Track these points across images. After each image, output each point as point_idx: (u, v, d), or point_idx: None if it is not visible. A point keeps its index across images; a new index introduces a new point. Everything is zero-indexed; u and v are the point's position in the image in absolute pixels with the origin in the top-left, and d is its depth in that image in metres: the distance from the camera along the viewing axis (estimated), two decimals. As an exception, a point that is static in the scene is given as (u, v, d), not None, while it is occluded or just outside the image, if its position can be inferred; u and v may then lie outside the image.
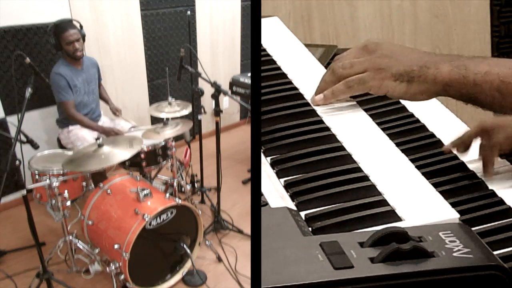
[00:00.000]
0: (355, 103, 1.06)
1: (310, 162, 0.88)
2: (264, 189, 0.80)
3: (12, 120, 2.53)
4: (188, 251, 1.98)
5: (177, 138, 2.41)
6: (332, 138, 0.95)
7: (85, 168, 1.89)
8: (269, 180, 0.83)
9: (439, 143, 0.97)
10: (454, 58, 0.91)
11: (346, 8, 1.90)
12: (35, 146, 1.90)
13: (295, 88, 1.08)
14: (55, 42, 2.37)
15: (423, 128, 1.01)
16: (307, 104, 1.03)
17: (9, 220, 2.66)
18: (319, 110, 1.02)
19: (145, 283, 1.97)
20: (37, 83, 2.11)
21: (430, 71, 0.91)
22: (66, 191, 1.96)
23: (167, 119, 2.32)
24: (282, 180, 0.86)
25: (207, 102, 3.36)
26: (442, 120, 1.04)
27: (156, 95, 3.51)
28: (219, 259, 2.29)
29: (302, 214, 0.78)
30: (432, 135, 0.98)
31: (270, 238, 0.65)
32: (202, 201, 2.88)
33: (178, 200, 1.99)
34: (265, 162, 0.90)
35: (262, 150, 0.93)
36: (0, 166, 1.57)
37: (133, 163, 2.39)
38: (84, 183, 2.21)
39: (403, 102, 1.08)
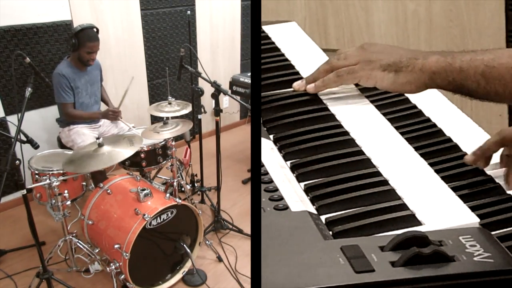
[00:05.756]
0: (373, 107, 1.06)
1: (329, 166, 0.88)
2: (284, 193, 0.80)
3: (12, 119, 2.53)
4: (188, 250, 1.98)
5: (177, 138, 2.41)
6: (351, 142, 0.95)
7: (85, 169, 1.89)
8: (289, 184, 0.83)
9: (456, 147, 0.96)
10: (444, 52, 0.93)
11: (361, 13, 1.90)
12: (35, 145, 1.90)
13: (315, 93, 1.09)
14: (74, 43, 2.35)
15: (440, 132, 1.00)
16: (326, 109, 1.04)
17: (9, 220, 2.67)
18: (338, 114, 1.03)
19: (145, 283, 1.97)
20: (37, 83, 2.12)
21: (418, 61, 0.93)
22: (66, 191, 1.96)
23: (167, 118, 2.32)
24: (302, 184, 0.86)
25: (207, 101, 3.36)
26: (458, 124, 1.03)
27: (156, 94, 3.51)
28: (219, 259, 2.30)
29: (323, 218, 0.78)
30: (449, 140, 0.98)
31: (291, 241, 0.66)
32: (202, 201, 2.88)
33: (178, 200, 1.99)
34: (285, 166, 0.90)
35: (282, 155, 0.93)
36: (0, 166, 1.57)
37: (133, 163, 2.39)
38: (84, 183, 2.21)
39: (419, 106, 1.08)
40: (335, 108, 1.05)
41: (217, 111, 2.34)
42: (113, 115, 2.50)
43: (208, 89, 2.41)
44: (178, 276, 2.10)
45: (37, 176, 2.06)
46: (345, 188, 0.83)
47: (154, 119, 3.45)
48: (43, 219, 2.60)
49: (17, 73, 2.57)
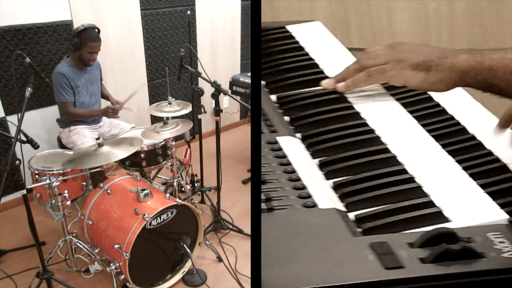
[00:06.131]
0: (398, 105, 1.07)
1: (356, 164, 0.89)
2: (313, 190, 0.80)
3: (12, 119, 2.53)
4: (188, 250, 1.98)
5: (177, 138, 2.41)
6: (377, 140, 0.96)
7: (85, 166, 1.89)
8: (317, 181, 0.84)
9: (480, 145, 0.96)
10: (473, 50, 0.93)
11: (383, 12, 1.90)
12: (35, 145, 1.90)
13: (343, 92, 1.11)
14: (76, 42, 2.36)
15: (463, 130, 1.01)
16: (351, 107, 1.05)
17: (9, 220, 2.67)
18: (363, 112, 1.04)
19: (145, 283, 1.97)
20: (37, 83, 2.12)
21: (448, 60, 0.93)
22: (66, 191, 1.96)
23: (167, 118, 2.32)
24: (331, 181, 0.87)
25: (207, 101, 3.35)
26: (481, 122, 1.03)
27: (156, 94, 3.51)
28: (219, 259, 2.30)
29: (351, 215, 0.78)
30: (474, 138, 0.98)
31: (320, 238, 0.66)
32: (202, 201, 2.88)
33: (178, 200, 1.99)
34: (313, 164, 0.91)
35: (309, 153, 0.94)
36: (0, 166, 1.57)
37: (133, 163, 2.39)
38: (84, 183, 2.21)
39: (442, 104, 1.08)
40: (360, 106, 1.06)
41: (217, 111, 2.33)
42: (112, 112, 2.50)
43: (208, 89, 2.41)
44: (178, 276, 2.10)
45: (37, 176, 2.06)
46: (373, 185, 0.84)
47: (154, 119, 3.45)
48: (43, 219, 2.60)
49: (17, 73, 2.57)
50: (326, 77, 1.14)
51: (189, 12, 3.26)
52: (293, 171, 0.85)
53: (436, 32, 1.92)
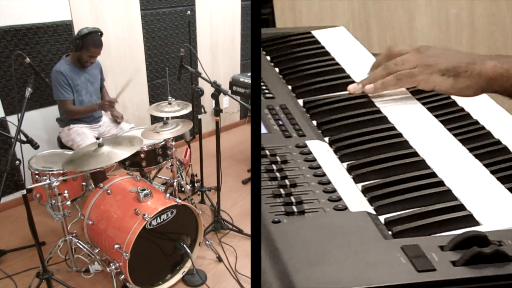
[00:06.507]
0: (424, 109, 1.07)
1: (385, 167, 0.90)
2: (343, 193, 0.81)
3: (12, 119, 2.53)
4: (188, 250, 1.98)
5: (177, 138, 2.41)
6: (405, 144, 0.96)
7: (85, 168, 1.90)
8: (347, 185, 0.85)
9: (506, 150, 0.97)
10: (500, 56, 0.94)
11: (404, 17, 1.91)
12: (35, 146, 1.90)
13: (366, 96, 1.12)
14: (77, 43, 2.36)
15: (489, 135, 1.01)
16: (379, 111, 1.06)
17: (9, 220, 2.67)
18: (390, 116, 1.04)
19: (145, 283, 1.97)
20: (37, 83, 2.12)
21: (476, 67, 0.94)
22: (66, 191, 1.96)
23: (167, 118, 2.32)
24: (359, 185, 0.87)
25: (207, 101, 3.36)
26: (504, 126, 1.04)
27: (156, 94, 3.51)
28: (219, 259, 2.30)
29: (381, 218, 0.79)
30: (499, 142, 0.99)
31: (352, 241, 0.67)
32: (202, 201, 2.88)
33: (178, 200, 1.99)
34: (342, 167, 0.91)
35: (337, 156, 0.94)
36: (0, 166, 1.57)
37: (133, 163, 2.39)
38: (84, 183, 2.21)
39: (467, 109, 1.09)
40: (387, 110, 1.06)
41: (217, 111, 2.34)
42: (109, 105, 2.50)
43: (208, 89, 2.41)
44: (178, 276, 2.10)
45: (37, 176, 2.06)
46: (402, 189, 0.84)
47: (154, 119, 3.45)
48: (43, 219, 2.60)
49: (17, 73, 2.57)
50: (353, 82, 1.15)
51: (189, 12, 3.26)
52: (323, 174, 0.86)
53: (457, 37, 1.93)
